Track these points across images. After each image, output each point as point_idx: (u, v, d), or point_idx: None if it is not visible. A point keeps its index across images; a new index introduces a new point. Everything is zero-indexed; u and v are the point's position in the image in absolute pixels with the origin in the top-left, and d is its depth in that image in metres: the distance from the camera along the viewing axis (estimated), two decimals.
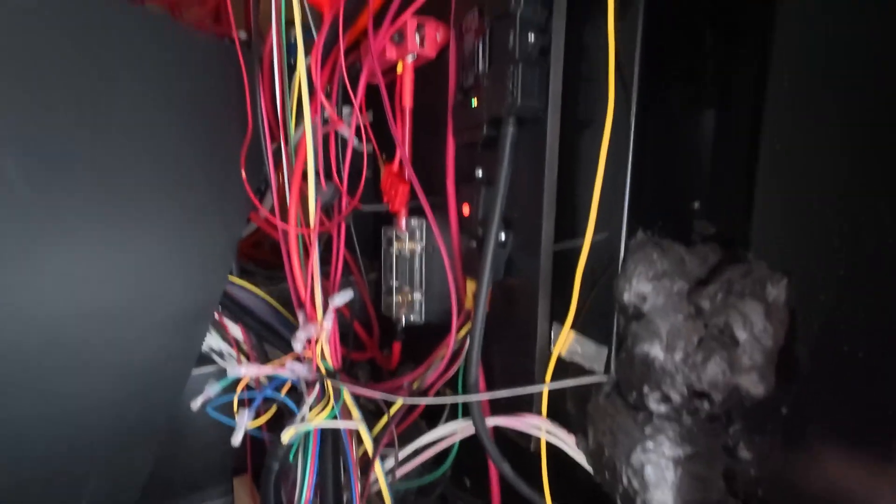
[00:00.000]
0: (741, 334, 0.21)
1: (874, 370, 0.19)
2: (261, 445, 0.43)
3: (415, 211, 0.42)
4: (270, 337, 0.45)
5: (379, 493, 0.36)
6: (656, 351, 0.23)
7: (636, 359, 0.24)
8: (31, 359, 0.35)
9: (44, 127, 0.33)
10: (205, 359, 0.47)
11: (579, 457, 0.29)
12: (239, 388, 0.36)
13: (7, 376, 0.34)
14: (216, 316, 0.46)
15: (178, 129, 0.39)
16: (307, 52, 0.36)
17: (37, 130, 0.32)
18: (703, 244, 0.27)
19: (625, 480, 0.24)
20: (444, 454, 0.38)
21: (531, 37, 0.27)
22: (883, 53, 0.20)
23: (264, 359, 0.45)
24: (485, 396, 0.30)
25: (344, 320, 0.44)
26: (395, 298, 0.44)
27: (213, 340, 0.46)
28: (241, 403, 0.37)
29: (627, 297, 0.25)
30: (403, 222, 0.42)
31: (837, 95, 0.21)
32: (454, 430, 0.34)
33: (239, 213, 0.44)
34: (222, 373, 0.47)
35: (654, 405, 0.24)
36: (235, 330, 0.46)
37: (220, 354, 0.46)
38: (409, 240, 0.43)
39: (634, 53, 0.27)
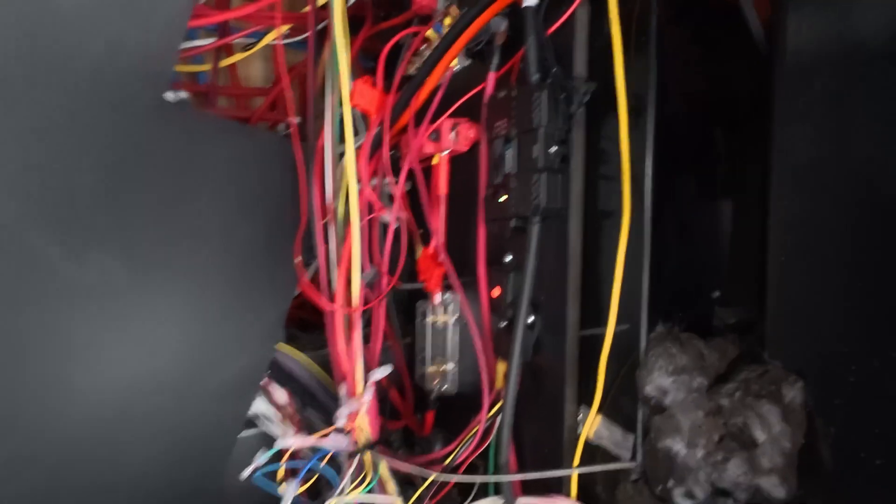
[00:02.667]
0: (760, 435, 0.23)
1: (892, 479, 0.20)
2: None
3: (448, 285, 0.46)
4: (313, 402, 0.48)
5: None
6: (679, 446, 0.24)
7: (660, 452, 0.25)
8: (103, 428, 0.39)
9: (132, 227, 0.39)
10: (249, 422, 0.50)
11: None
12: (285, 459, 0.39)
13: (82, 444, 0.38)
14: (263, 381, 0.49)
15: (240, 218, 0.45)
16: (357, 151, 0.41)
17: (127, 230, 0.38)
18: (723, 337, 0.28)
19: None
20: None
21: (553, 148, 0.31)
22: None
23: (307, 423, 0.48)
24: (515, 478, 0.31)
25: (380, 387, 0.47)
26: (429, 368, 0.46)
27: (259, 405, 0.49)
28: (286, 475, 0.39)
29: (649, 389, 0.26)
30: (437, 298, 0.45)
31: (839, 207, 0.23)
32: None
33: (288, 289, 0.49)
34: (264, 436, 0.50)
35: (680, 499, 0.25)
36: (280, 394, 0.50)
37: (266, 418, 0.49)
38: (442, 313, 0.46)
39: (646, 156, 0.30)
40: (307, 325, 0.62)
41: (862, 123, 0.22)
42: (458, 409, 0.44)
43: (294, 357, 0.51)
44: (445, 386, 0.46)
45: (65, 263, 0.35)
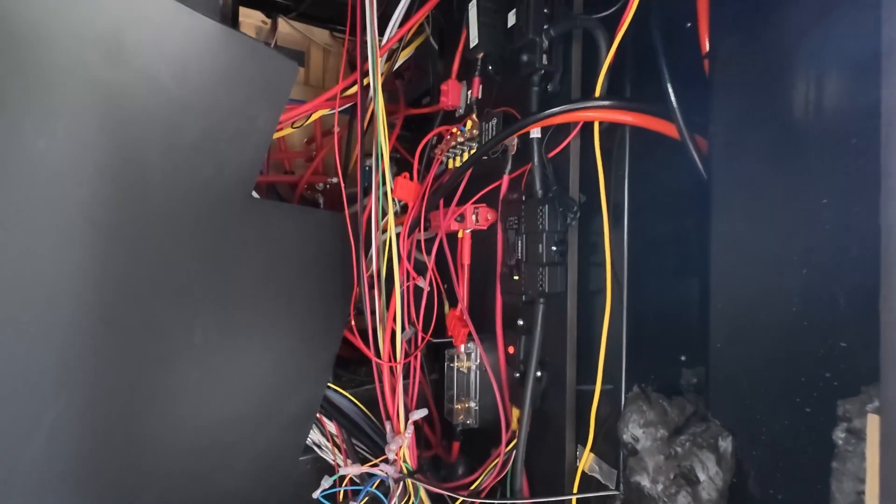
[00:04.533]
0: (701, 475, 0.32)
1: None
2: None
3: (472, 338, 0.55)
4: (358, 434, 0.58)
5: None
6: (645, 481, 0.34)
7: (633, 485, 0.34)
8: (201, 453, 0.50)
9: (224, 299, 0.49)
10: (306, 448, 0.61)
11: None
12: (345, 483, 0.49)
13: (187, 467, 0.49)
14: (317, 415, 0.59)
15: (302, 284, 0.55)
16: (397, 229, 0.52)
17: (220, 301, 0.49)
18: (682, 396, 0.37)
19: None
20: None
21: (554, 248, 0.41)
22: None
23: (353, 452, 0.58)
24: (528, 502, 0.41)
25: (417, 423, 0.56)
26: (455, 406, 0.56)
27: (314, 435, 0.59)
28: (345, 494, 0.49)
29: (626, 437, 0.36)
30: (462, 348, 0.55)
31: (761, 296, 0.32)
32: None
33: (336, 337, 0.59)
34: (317, 460, 0.60)
35: None
36: (330, 426, 0.60)
37: (319, 446, 0.59)
38: (466, 360, 0.55)
39: (623, 250, 0.40)
40: (342, 361, 0.73)
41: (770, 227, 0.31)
42: (480, 440, 0.53)
43: (341, 393, 0.61)
44: (469, 420, 0.56)
45: (178, 328, 0.46)
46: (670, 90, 0.36)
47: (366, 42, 0.54)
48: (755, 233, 0.32)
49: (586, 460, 0.41)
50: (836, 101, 0.28)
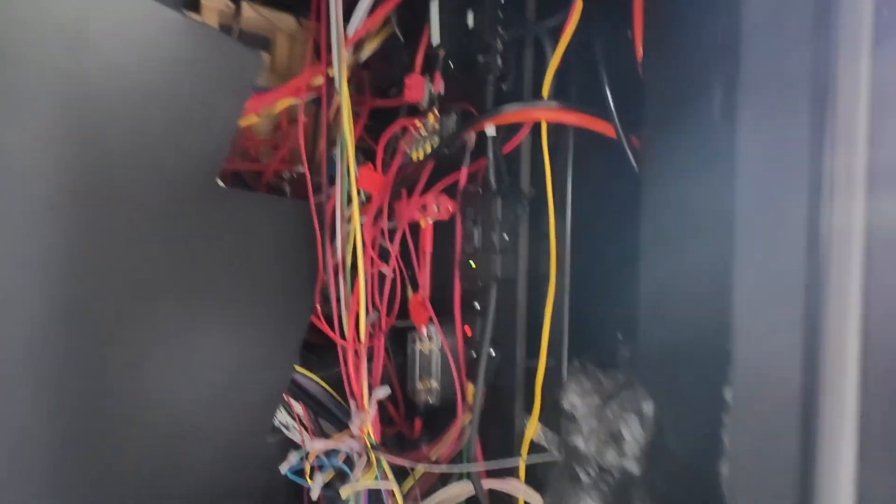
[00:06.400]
0: (626, 435, 0.36)
1: (688, 463, 0.34)
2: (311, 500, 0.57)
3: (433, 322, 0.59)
4: (324, 414, 0.61)
5: None
6: (580, 443, 0.38)
7: (569, 446, 0.39)
8: (168, 433, 0.51)
9: (190, 283, 0.51)
10: (274, 430, 0.63)
11: None
12: (311, 457, 0.51)
13: (154, 448, 0.50)
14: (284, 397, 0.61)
15: (268, 270, 0.57)
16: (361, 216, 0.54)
17: (186, 285, 0.50)
18: (617, 369, 0.42)
19: None
20: None
21: (506, 237, 0.45)
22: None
23: (319, 431, 0.60)
24: (480, 467, 0.45)
25: (380, 402, 0.59)
26: (418, 385, 0.59)
27: (281, 416, 0.62)
28: (312, 469, 0.52)
29: (566, 405, 0.40)
30: (424, 330, 0.58)
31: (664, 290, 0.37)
32: (461, 490, 0.48)
33: (303, 322, 0.61)
34: (285, 441, 0.62)
35: (583, 477, 0.38)
36: (297, 407, 0.62)
37: (287, 426, 0.62)
38: (428, 342, 0.59)
39: (566, 238, 0.44)
40: (312, 346, 0.75)
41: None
42: (441, 417, 0.57)
43: (308, 376, 0.63)
44: (431, 399, 0.59)
45: (145, 316, 0.47)
46: (608, 94, 0.40)
47: (331, 33, 0.55)
48: (676, 225, 0.37)
49: (533, 429, 0.45)
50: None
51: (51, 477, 0.45)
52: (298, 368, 0.63)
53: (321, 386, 0.63)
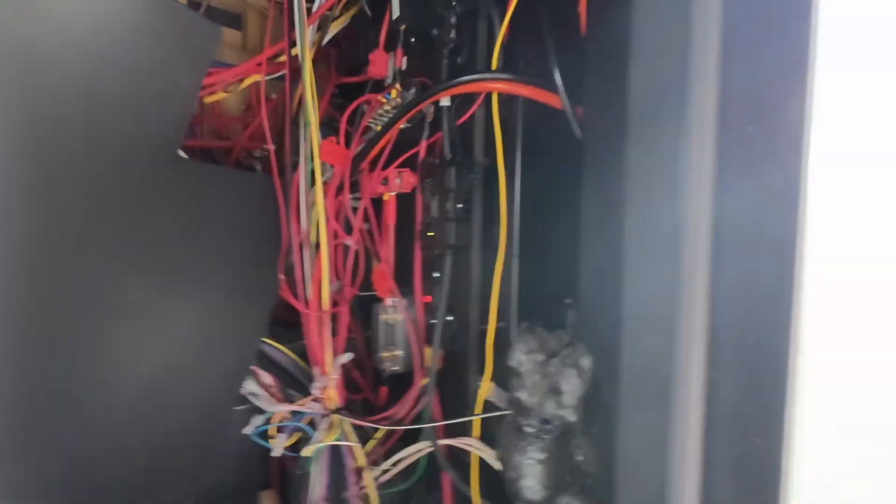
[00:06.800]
0: (565, 388, 0.39)
1: (612, 411, 0.36)
2: (282, 465, 0.59)
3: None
4: (291, 382, 0.62)
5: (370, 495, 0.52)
6: (525, 396, 0.41)
7: (515, 400, 0.41)
8: (137, 404, 0.52)
9: (156, 257, 0.51)
10: (242, 399, 0.64)
11: (496, 463, 0.46)
12: (274, 420, 0.53)
13: (122, 415, 0.51)
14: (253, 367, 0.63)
15: (232, 243, 0.58)
16: (325, 192, 0.55)
17: (152, 259, 0.51)
18: (563, 330, 0.45)
19: (511, 473, 0.41)
20: (416, 468, 0.55)
21: (460, 205, 0.46)
22: None
23: (287, 398, 0.62)
24: (437, 424, 0.47)
25: (346, 371, 0.61)
26: (383, 354, 0.61)
27: (249, 385, 0.63)
28: (277, 430, 0.54)
29: (512, 362, 0.42)
30: (388, 302, 0.60)
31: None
32: (420, 447, 0.51)
33: (270, 295, 0.63)
34: (254, 410, 0.64)
35: (527, 428, 0.41)
36: (266, 377, 0.63)
37: (256, 395, 0.63)
38: (393, 313, 0.61)
39: (514, 209, 0.46)
40: (284, 323, 0.76)
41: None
42: (405, 383, 0.59)
43: (277, 348, 0.65)
44: (396, 367, 0.61)
45: (109, 285, 0.48)
46: (555, 67, 0.41)
47: (293, 10, 0.56)
48: (611, 195, 0.39)
49: (486, 388, 0.47)
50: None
51: (12, 442, 0.46)
52: (267, 340, 0.65)
53: (289, 357, 0.65)
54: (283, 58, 0.62)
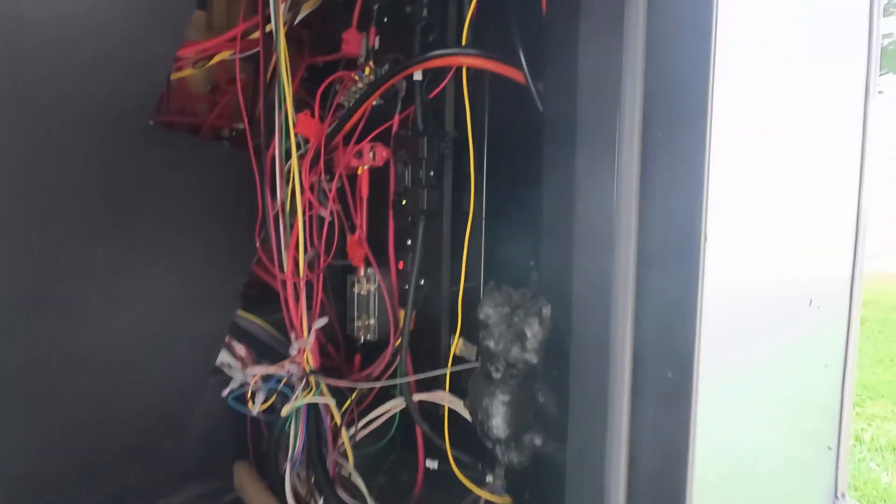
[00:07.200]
0: (528, 334, 0.43)
1: (573, 355, 0.41)
2: (254, 435, 0.60)
3: (370, 263, 0.63)
4: (266, 352, 0.64)
5: (345, 453, 0.54)
6: (493, 344, 0.44)
7: (483, 349, 0.45)
8: (108, 371, 0.52)
9: (128, 226, 0.52)
10: (216, 370, 0.65)
11: (466, 413, 0.50)
12: (252, 382, 0.55)
13: (93, 382, 0.51)
14: (227, 339, 0.64)
15: (206, 214, 0.59)
16: (300, 164, 0.57)
17: (124, 228, 0.51)
18: (528, 287, 0.49)
19: (479, 416, 0.45)
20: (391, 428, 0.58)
21: (431, 173, 0.50)
22: None
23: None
24: (409, 378, 0.50)
25: (320, 344, 0.63)
26: (357, 324, 0.64)
27: (223, 356, 0.64)
28: (253, 395, 0.55)
29: (481, 315, 0.46)
30: (362, 272, 0.62)
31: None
32: (394, 405, 0.54)
33: (244, 266, 0.64)
34: (228, 380, 0.65)
35: (494, 374, 0.45)
36: (240, 348, 0.64)
37: (229, 366, 0.64)
38: (366, 283, 0.63)
39: (483, 178, 0.49)
40: (258, 298, 0.77)
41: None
42: (378, 350, 0.62)
43: (250, 319, 0.66)
44: (369, 335, 0.64)
45: (82, 253, 0.48)
46: (519, 45, 0.45)
47: None
48: (569, 165, 0.43)
49: (457, 344, 0.51)
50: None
51: None
52: (241, 312, 0.66)
53: (263, 328, 0.66)
54: (256, 34, 0.63)
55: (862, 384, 2.32)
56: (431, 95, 0.51)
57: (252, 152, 0.58)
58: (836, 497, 0.53)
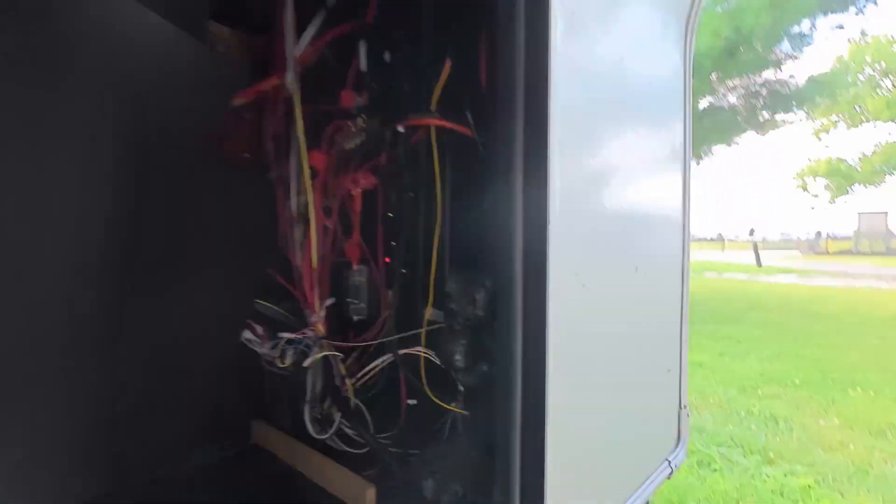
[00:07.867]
0: (477, 297, 0.67)
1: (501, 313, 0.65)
2: (275, 394, 0.80)
3: (364, 260, 0.85)
4: (280, 328, 0.83)
5: (349, 395, 0.75)
6: (455, 306, 0.67)
7: (448, 311, 0.68)
8: (181, 344, 0.70)
9: (184, 241, 0.71)
10: (241, 345, 0.83)
11: (436, 360, 0.72)
12: (280, 346, 0.74)
13: (150, 360, 0.69)
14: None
15: (238, 230, 0.79)
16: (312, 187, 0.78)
17: (181, 241, 0.71)
18: (475, 269, 0.73)
19: (447, 356, 0.68)
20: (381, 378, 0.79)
21: (411, 194, 0.73)
22: None
23: (275, 343, 0.82)
24: (394, 337, 0.72)
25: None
26: (351, 307, 0.85)
27: (246, 334, 0.83)
28: (283, 353, 0.75)
29: (448, 289, 0.69)
30: (356, 267, 0.84)
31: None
32: (385, 358, 0.75)
33: (264, 270, 0.83)
34: (254, 352, 0.83)
35: (456, 326, 0.68)
36: (259, 328, 0.83)
37: (251, 341, 0.83)
38: (359, 276, 0.85)
39: (447, 195, 0.73)
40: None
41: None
42: (366, 327, 0.83)
43: (267, 305, 0.85)
44: (360, 315, 0.85)
45: (163, 272, 0.67)
46: (467, 109, 0.70)
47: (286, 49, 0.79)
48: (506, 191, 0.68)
49: (429, 312, 0.74)
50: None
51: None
52: (259, 301, 0.85)
53: (279, 311, 0.86)
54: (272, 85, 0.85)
55: (759, 372, 2.78)
56: (414, 141, 0.74)
57: (278, 181, 0.79)
58: (680, 407, 0.80)
